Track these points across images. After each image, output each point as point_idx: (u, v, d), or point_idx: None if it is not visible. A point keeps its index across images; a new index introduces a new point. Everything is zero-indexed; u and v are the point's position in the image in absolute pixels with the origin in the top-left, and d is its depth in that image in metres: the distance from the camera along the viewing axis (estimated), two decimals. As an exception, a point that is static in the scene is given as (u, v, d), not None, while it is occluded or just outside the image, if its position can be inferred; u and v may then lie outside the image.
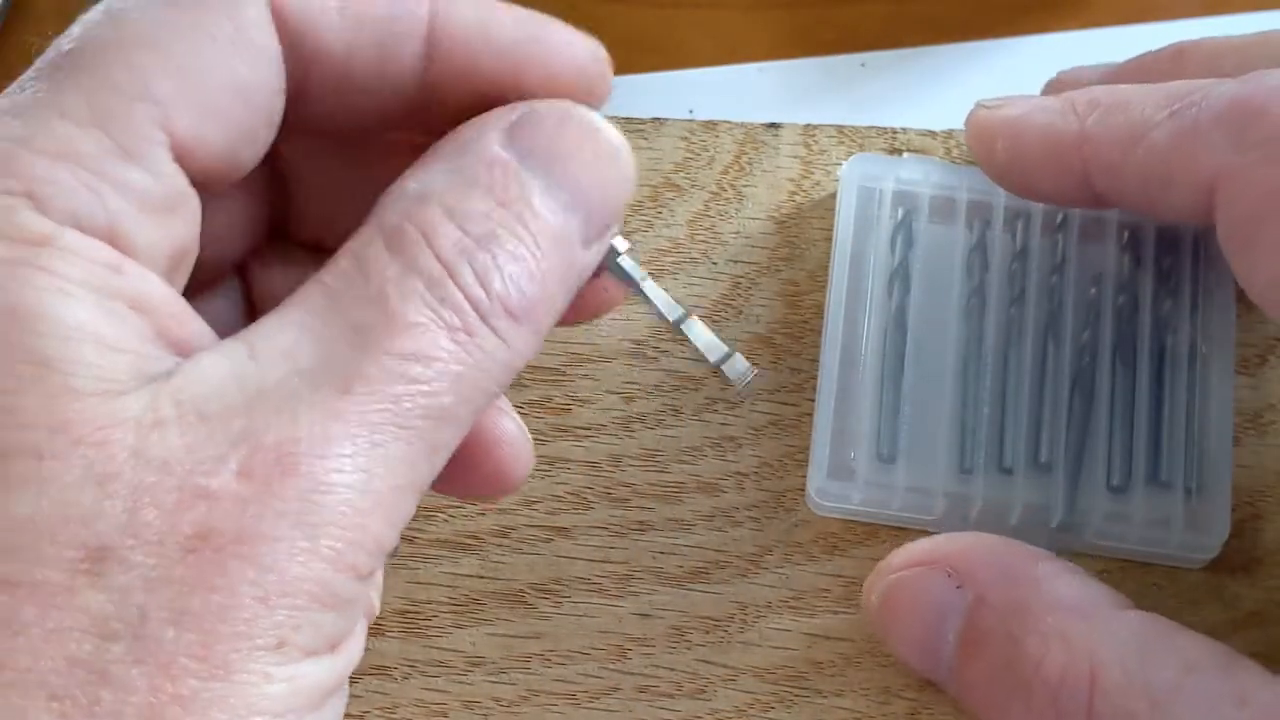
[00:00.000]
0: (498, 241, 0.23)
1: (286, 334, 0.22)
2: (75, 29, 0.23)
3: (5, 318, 0.20)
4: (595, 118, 0.26)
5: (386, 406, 0.22)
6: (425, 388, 0.22)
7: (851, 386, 0.34)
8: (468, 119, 0.26)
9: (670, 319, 0.28)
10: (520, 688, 0.33)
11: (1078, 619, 0.28)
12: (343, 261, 0.23)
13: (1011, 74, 0.44)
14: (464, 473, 0.27)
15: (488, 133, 0.25)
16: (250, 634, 0.20)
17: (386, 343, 0.22)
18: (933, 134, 0.38)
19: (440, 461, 0.23)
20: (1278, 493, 0.34)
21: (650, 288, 0.27)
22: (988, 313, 0.35)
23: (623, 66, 0.45)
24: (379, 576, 0.24)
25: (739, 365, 0.28)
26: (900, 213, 0.36)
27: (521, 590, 0.34)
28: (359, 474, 0.21)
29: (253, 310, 0.29)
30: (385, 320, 0.22)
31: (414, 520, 0.34)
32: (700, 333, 0.28)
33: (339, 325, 0.22)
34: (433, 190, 0.24)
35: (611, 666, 0.33)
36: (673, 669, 0.33)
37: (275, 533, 0.20)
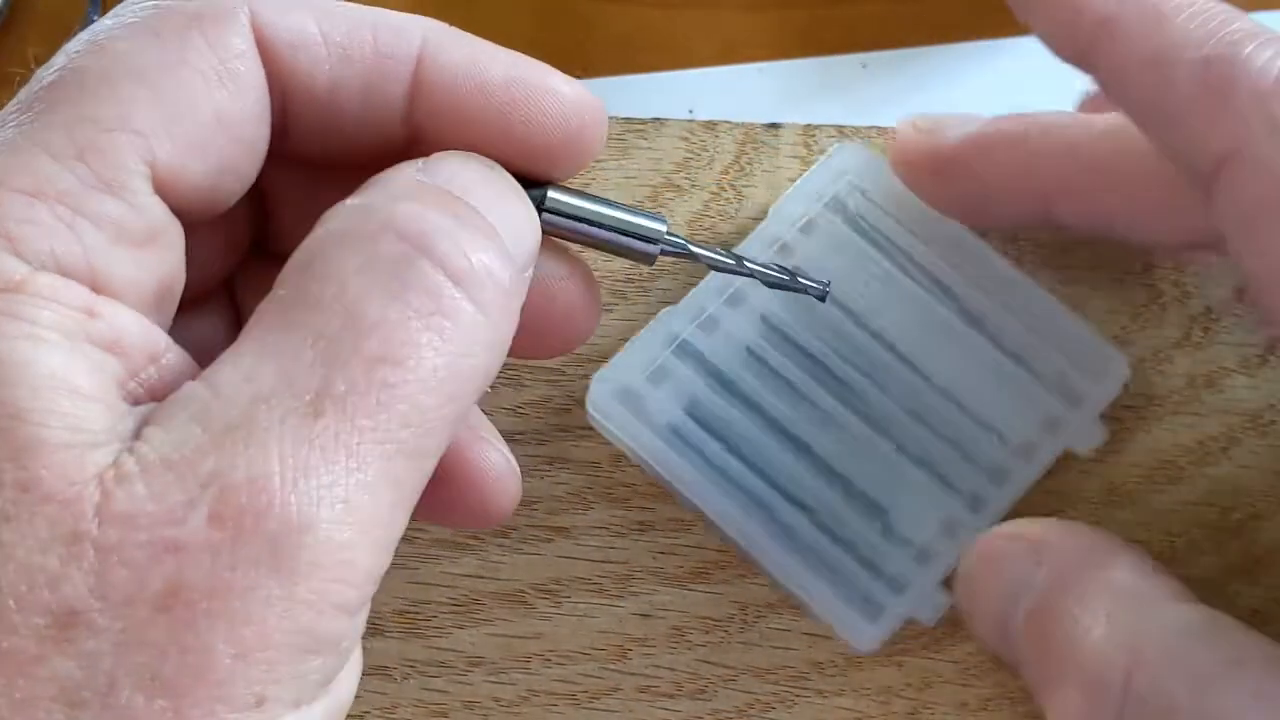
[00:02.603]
0: (462, 224, 0.23)
1: (245, 359, 0.21)
2: (58, 59, 0.23)
3: None
4: (493, 164, 0.25)
5: (362, 422, 0.20)
6: (401, 391, 0.21)
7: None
8: None
9: (731, 263, 0.29)
10: (520, 688, 0.33)
11: (1130, 602, 0.28)
12: (291, 273, 0.22)
13: (1011, 74, 0.44)
14: (446, 506, 0.26)
15: (404, 167, 0.24)
16: (226, 695, 0.19)
17: (352, 348, 0.21)
18: (933, 134, 0.38)
19: (430, 467, 0.22)
20: (1278, 493, 0.34)
21: (698, 250, 0.29)
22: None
23: (623, 66, 0.45)
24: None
25: (810, 280, 0.31)
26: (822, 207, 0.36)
27: (521, 590, 0.34)
28: (339, 504, 0.20)
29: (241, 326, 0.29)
30: (348, 321, 0.21)
31: (414, 520, 0.34)
32: (760, 268, 0.30)
33: (299, 339, 0.21)
34: (373, 201, 0.23)
35: (612, 666, 0.33)
36: (673, 669, 0.33)
37: (249, 582, 0.19)
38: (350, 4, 0.25)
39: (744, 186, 0.37)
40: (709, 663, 0.33)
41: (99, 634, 0.19)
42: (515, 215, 0.25)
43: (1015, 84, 0.43)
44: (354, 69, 0.25)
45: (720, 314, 0.35)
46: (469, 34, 0.26)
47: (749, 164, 0.37)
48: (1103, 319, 0.36)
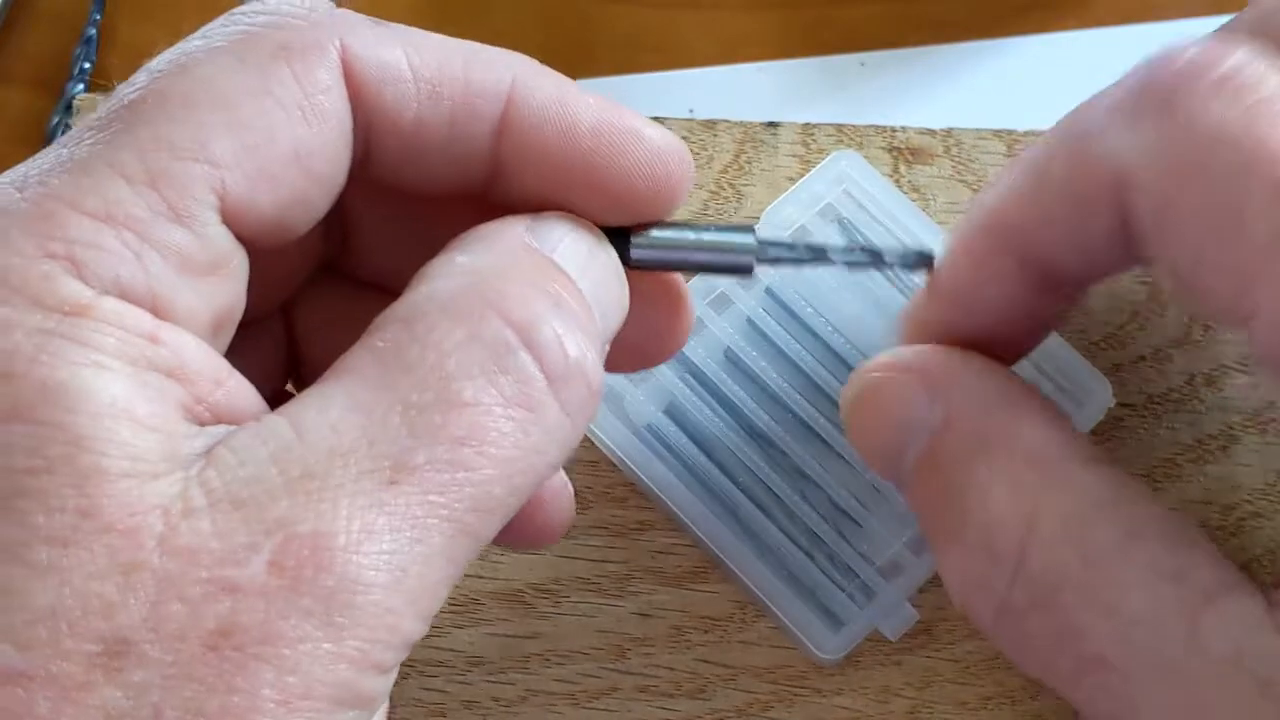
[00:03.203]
0: (564, 310, 0.23)
1: (334, 410, 0.21)
2: (140, 77, 0.23)
3: (37, 393, 0.20)
4: (599, 233, 0.26)
5: (433, 498, 0.21)
6: (476, 476, 0.21)
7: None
8: (542, 195, 0.26)
9: (846, 258, 0.29)
10: (519, 688, 0.33)
11: (1032, 466, 0.27)
12: (394, 325, 0.22)
13: (1011, 74, 0.44)
14: (506, 530, 0.27)
15: (514, 223, 0.24)
16: None
17: (439, 425, 0.21)
18: (932, 133, 0.38)
19: (480, 548, 0.22)
20: (1277, 491, 0.34)
21: (784, 249, 0.29)
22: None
23: (623, 66, 0.45)
24: None
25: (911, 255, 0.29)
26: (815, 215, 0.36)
27: (520, 590, 0.34)
28: (395, 572, 0.20)
29: (294, 345, 0.29)
30: (441, 399, 0.21)
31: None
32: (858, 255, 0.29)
33: (390, 401, 0.21)
34: (483, 264, 0.23)
35: (611, 666, 0.33)
36: (672, 669, 0.33)
37: (299, 632, 0.20)
38: (442, 37, 0.25)
39: (743, 185, 0.37)
40: (708, 662, 0.33)
41: (148, 665, 0.19)
42: (611, 294, 0.25)
43: (1015, 84, 0.43)
44: (442, 106, 0.25)
45: (705, 315, 0.35)
46: (555, 73, 0.26)
47: (748, 163, 0.37)
48: (1103, 318, 0.36)
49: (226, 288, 0.23)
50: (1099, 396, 0.34)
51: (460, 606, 0.33)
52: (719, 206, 0.37)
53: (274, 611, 0.20)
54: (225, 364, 0.22)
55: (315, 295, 0.29)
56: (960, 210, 0.37)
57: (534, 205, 0.26)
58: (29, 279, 0.20)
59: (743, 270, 0.28)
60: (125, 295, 0.21)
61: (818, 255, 0.29)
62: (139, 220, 0.21)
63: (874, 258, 0.29)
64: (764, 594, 0.33)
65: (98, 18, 0.49)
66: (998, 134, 0.38)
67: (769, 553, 0.33)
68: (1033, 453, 0.27)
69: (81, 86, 0.48)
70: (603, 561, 0.34)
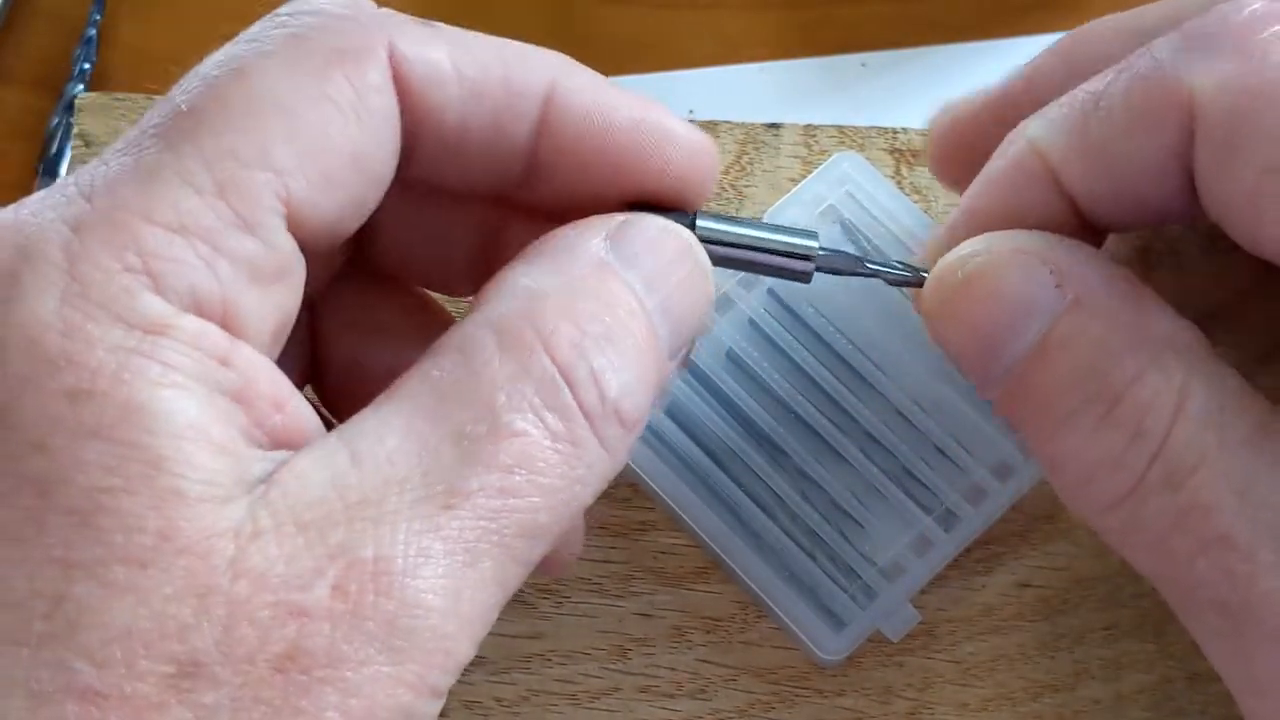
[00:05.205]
0: (612, 344, 0.23)
1: (391, 438, 0.22)
2: (194, 82, 0.23)
3: (119, 411, 0.20)
4: (691, 237, 0.26)
5: (484, 523, 0.21)
6: (524, 503, 0.22)
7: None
8: (572, 194, 0.26)
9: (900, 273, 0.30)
10: (521, 688, 0.33)
11: (1177, 351, 0.27)
12: (451, 355, 0.23)
13: (1012, 74, 0.44)
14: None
15: (591, 235, 0.25)
16: None
17: (490, 454, 0.22)
18: (933, 134, 0.38)
19: (525, 575, 0.23)
20: (1278, 492, 0.34)
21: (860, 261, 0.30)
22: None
23: (623, 66, 0.45)
24: None
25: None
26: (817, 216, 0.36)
27: (523, 590, 0.33)
28: (450, 596, 0.21)
29: (316, 338, 0.29)
30: (492, 429, 0.22)
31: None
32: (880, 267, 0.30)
33: (444, 431, 0.22)
34: (544, 288, 0.23)
35: (612, 666, 0.33)
36: (673, 669, 0.33)
37: (362, 656, 0.20)
38: (484, 36, 0.26)
39: (745, 186, 0.37)
40: (709, 662, 0.33)
41: (219, 687, 0.19)
42: (690, 298, 0.26)
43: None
44: (484, 106, 0.25)
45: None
46: (590, 70, 0.26)
47: (750, 164, 0.37)
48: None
49: (289, 296, 0.23)
50: None
51: (462, 607, 0.33)
52: (720, 207, 0.37)
53: (338, 635, 0.20)
54: (288, 384, 0.23)
55: (340, 290, 0.29)
56: (961, 211, 0.37)
57: (565, 202, 0.26)
58: (110, 294, 0.21)
59: (802, 275, 0.28)
60: (200, 309, 0.21)
61: (875, 270, 0.30)
62: (211, 230, 0.22)
63: (917, 274, 0.30)
64: (765, 594, 0.33)
65: (98, 18, 0.49)
66: (999, 135, 0.38)
67: (771, 553, 0.33)
68: (1172, 338, 0.27)
69: (81, 86, 0.48)
70: (605, 562, 0.34)
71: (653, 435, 0.34)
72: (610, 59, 0.45)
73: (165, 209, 0.21)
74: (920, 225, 0.35)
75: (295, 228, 0.23)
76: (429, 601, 0.21)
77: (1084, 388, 0.27)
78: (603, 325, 0.23)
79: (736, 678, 0.33)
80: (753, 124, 0.38)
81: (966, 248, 0.29)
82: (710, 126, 0.38)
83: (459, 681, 0.33)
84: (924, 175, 0.37)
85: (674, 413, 0.34)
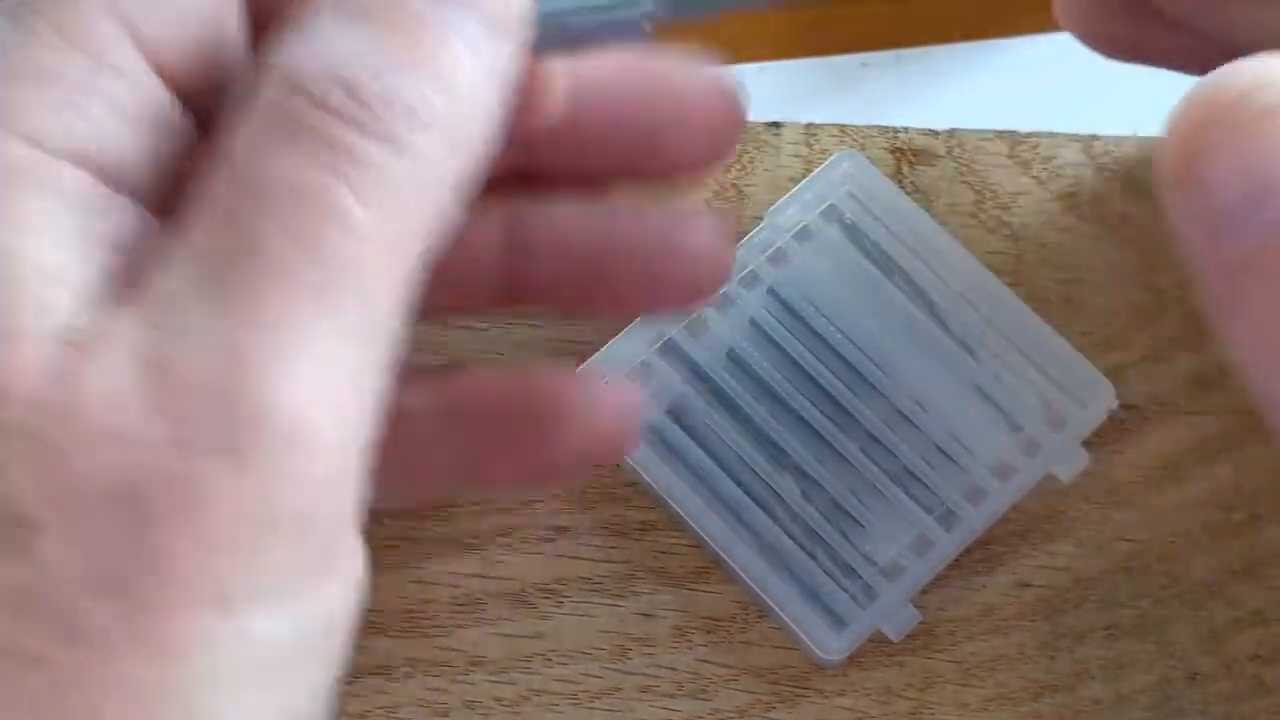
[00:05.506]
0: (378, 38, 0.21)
1: (175, 251, 0.20)
2: None
3: None
4: None
5: (291, 288, 0.19)
6: (327, 246, 0.19)
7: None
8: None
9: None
10: (521, 687, 0.33)
11: None
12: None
13: (1011, 74, 0.44)
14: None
15: None
16: (186, 594, 0.18)
17: (272, 215, 0.19)
18: (935, 134, 0.38)
19: (385, 320, 0.20)
20: (1278, 492, 0.34)
21: None
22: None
23: (623, 66, 0.45)
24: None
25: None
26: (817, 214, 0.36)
27: (523, 589, 0.34)
28: (285, 378, 0.19)
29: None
30: (250, 186, 0.20)
31: (415, 519, 0.34)
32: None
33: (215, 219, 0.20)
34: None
35: (613, 666, 0.33)
36: (674, 668, 0.33)
37: (202, 469, 0.18)
38: None
39: (745, 185, 0.37)
40: (710, 662, 0.33)
41: (46, 534, 0.18)
42: None
43: (1015, 84, 0.43)
44: None
45: (708, 316, 0.35)
46: None
47: (750, 163, 0.37)
48: (1103, 318, 0.36)
49: (169, 141, 0.22)
50: (1100, 397, 0.34)
51: (462, 606, 0.33)
52: (721, 206, 0.37)
53: (169, 455, 0.18)
54: (161, 237, 0.21)
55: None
56: (962, 211, 0.37)
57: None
58: None
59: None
60: (73, 154, 0.20)
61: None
62: (75, 80, 0.21)
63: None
64: (766, 594, 0.33)
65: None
66: (1000, 135, 0.38)
67: (771, 553, 0.33)
68: None
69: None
70: (605, 561, 0.34)
71: (654, 435, 0.34)
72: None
73: (23, 64, 0.21)
74: (921, 224, 0.36)
75: (160, 70, 0.22)
76: (260, 390, 0.18)
77: None
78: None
79: (737, 678, 0.33)
80: (754, 123, 0.38)
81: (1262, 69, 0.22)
82: (711, 126, 0.38)
83: (459, 681, 0.33)
84: (925, 175, 0.37)
85: (674, 412, 0.34)
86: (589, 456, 0.28)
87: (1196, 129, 0.22)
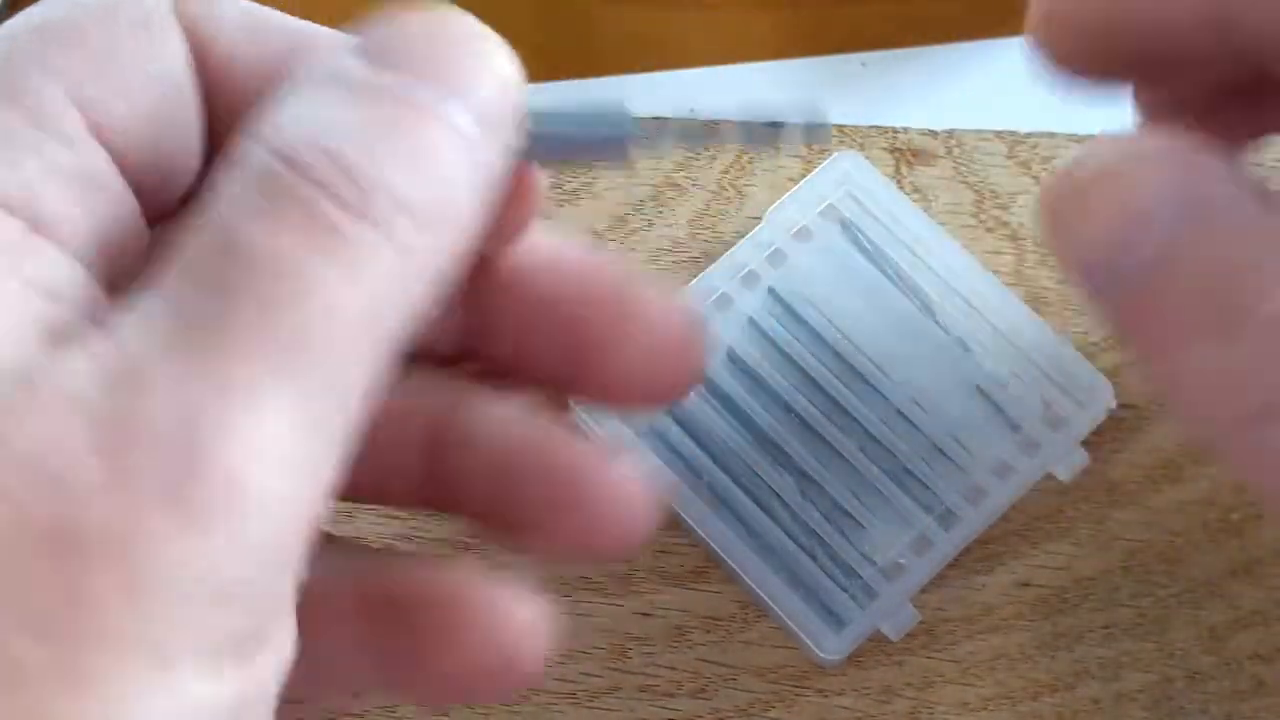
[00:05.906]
0: (372, 134, 0.20)
1: (141, 302, 0.19)
2: None
3: None
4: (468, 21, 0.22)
5: (253, 358, 0.19)
6: (291, 322, 0.19)
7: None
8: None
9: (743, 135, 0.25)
10: (521, 687, 0.33)
11: None
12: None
13: (1011, 74, 0.44)
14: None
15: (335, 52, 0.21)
16: (121, 646, 0.18)
17: (245, 283, 0.19)
18: (934, 134, 0.38)
19: (348, 391, 0.20)
20: (1278, 492, 0.34)
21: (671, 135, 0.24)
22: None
23: (623, 66, 0.45)
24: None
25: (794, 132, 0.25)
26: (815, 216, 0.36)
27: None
28: (238, 443, 0.18)
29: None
30: (230, 251, 0.19)
31: (415, 520, 0.34)
32: (734, 131, 0.25)
33: (193, 276, 0.19)
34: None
35: (612, 665, 0.33)
36: (674, 668, 0.33)
37: (144, 523, 0.18)
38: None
39: (745, 185, 0.37)
40: (709, 662, 0.33)
41: None
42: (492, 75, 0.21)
43: (1015, 84, 0.43)
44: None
45: (707, 315, 0.35)
46: None
47: (750, 163, 0.37)
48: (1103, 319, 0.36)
49: (108, 209, 0.22)
50: (1100, 397, 0.34)
51: (462, 606, 0.33)
52: (720, 207, 0.37)
53: (111, 504, 0.18)
54: (100, 293, 0.21)
55: None
56: (962, 211, 0.37)
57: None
58: None
59: (616, 155, 0.23)
60: (6, 203, 0.20)
61: (708, 133, 0.25)
62: (6, 132, 0.21)
63: (773, 129, 0.26)
64: (766, 594, 0.33)
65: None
66: (999, 135, 0.38)
67: (771, 552, 0.33)
68: None
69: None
70: (604, 561, 0.34)
71: (654, 435, 0.34)
72: (610, 59, 0.45)
73: None
74: (921, 225, 0.36)
75: (100, 136, 0.22)
76: (213, 450, 0.18)
77: (1218, 296, 0.23)
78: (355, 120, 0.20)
79: (736, 677, 0.33)
80: (753, 123, 0.38)
81: (1097, 147, 0.25)
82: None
83: (459, 681, 0.33)
84: (924, 175, 0.37)
85: (674, 412, 0.34)
86: (488, 679, 0.24)
87: (1070, 191, 0.25)
